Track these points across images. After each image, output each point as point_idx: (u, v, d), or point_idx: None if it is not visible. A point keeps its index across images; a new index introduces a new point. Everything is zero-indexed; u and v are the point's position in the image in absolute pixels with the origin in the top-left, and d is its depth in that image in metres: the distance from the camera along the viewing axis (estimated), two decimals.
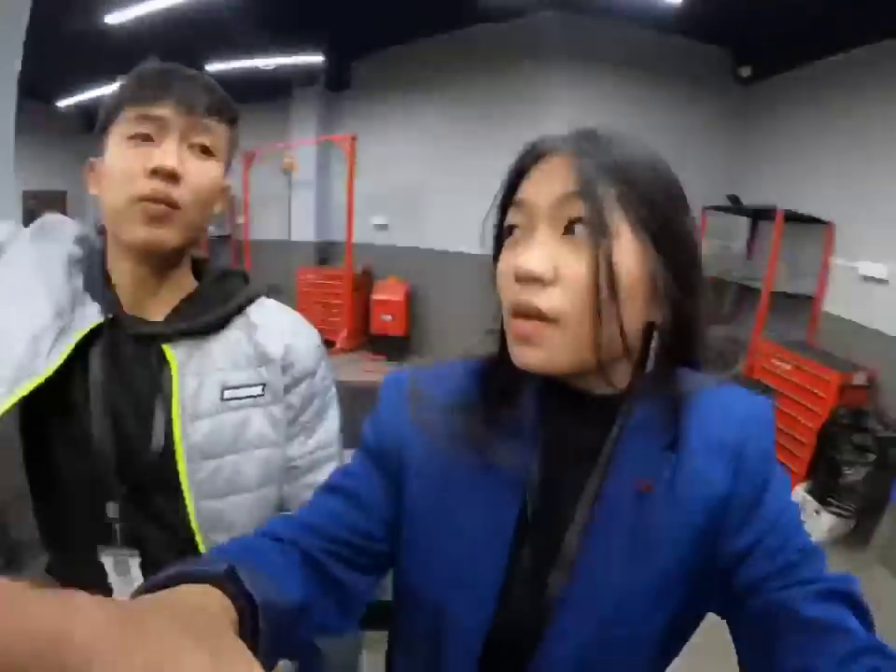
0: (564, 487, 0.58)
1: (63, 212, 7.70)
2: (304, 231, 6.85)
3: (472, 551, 0.58)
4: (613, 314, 0.50)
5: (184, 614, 0.30)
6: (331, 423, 0.91)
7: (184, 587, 0.37)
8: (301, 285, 6.47)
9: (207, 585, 0.37)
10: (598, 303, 0.50)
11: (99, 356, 0.76)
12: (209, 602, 0.36)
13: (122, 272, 0.81)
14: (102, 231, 0.84)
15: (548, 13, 4.54)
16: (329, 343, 5.76)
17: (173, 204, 0.76)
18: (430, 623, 0.60)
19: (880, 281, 3.36)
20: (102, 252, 0.84)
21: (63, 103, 7.20)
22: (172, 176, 0.75)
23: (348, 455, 0.74)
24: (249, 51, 5.34)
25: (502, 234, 0.60)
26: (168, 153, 0.75)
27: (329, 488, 0.64)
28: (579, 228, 0.51)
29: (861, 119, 3.61)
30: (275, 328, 0.86)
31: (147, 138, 0.77)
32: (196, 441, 0.76)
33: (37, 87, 6.06)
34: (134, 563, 0.77)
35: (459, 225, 5.31)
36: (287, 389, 0.85)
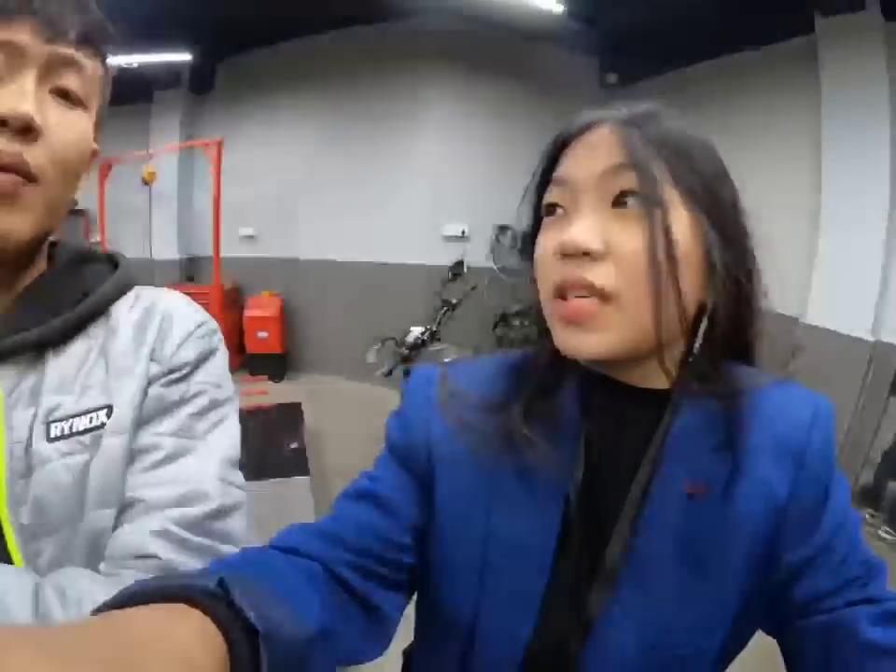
0: (608, 490, 0.55)
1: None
2: (167, 247, 6.36)
3: (510, 560, 0.55)
4: (671, 290, 0.48)
5: (91, 649, 0.24)
6: (211, 450, 0.58)
7: (142, 610, 0.30)
8: None
9: (185, 606, 0.31)
10: (658, 279, 0.47)
11: None
12: (170, 630, 0.29)
13: None
14: None
15: (425, 17, 4.58)
16: None
17: (27, 175, 0.53)
18: (461, 638, 0.56)
19: None
20: None
21: None
22: (27, 130, 0.53)
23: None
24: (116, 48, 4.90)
25: (539, 218, 0.56)
26: (23, 95, 0.52)
27: (356, 494, 0.58)
28: (631, 200, 0.48)
29: (726, 122, 3.79)
30: (139, 323, 0.60)
31: None
32: (24, 519, 0.51)
33: None
34: None
35: (332, 233, 5.30)
36: (142, 397, 0.57)
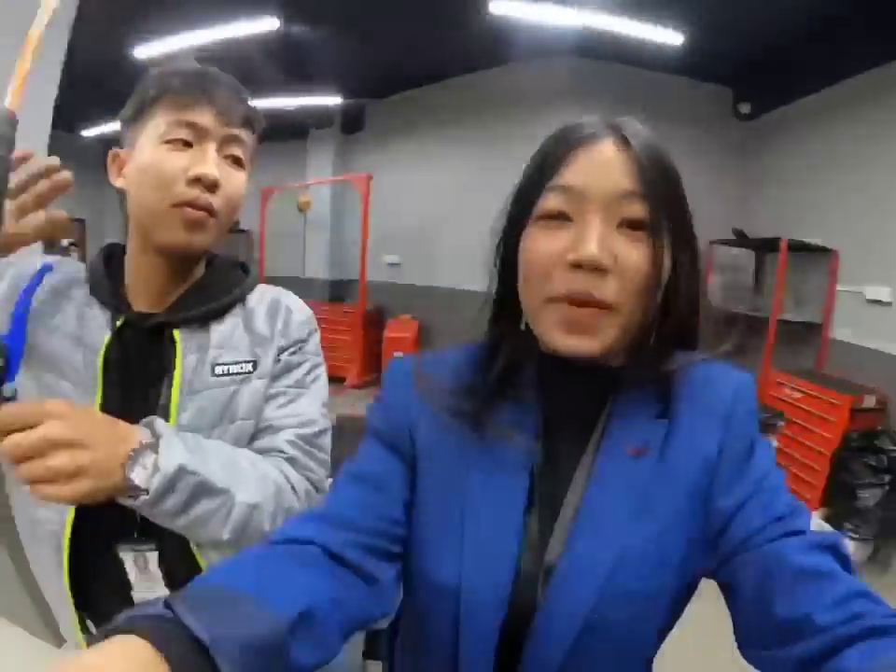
0: (564, 458, 0.60)
1: (82, 239, 7.84)
2: (318, 268, 7.00)
3: (486, 525, 0.58)
4: (651, 297, 0.55)
5: None
6: (315, 395, 0.88)
7: (93, 654, 0.33)
8: None
9: (133, 637, 0.35)
10: (654, 294, 0.55)
11: (115, 360, 0.78)
12: (111, 668, 0.33)
13: (144, 266, 0.83)
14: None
15: (556, 58, 4.70)
16: (339, 380, 5.87)
17: (211, 212, 0.79)
18: (448, 600, 0.58)
19: (885, 304, 3.38)
20: (106, 259, 0.87)
21: (86, 133, 7.39)
22: (213, 186, 0.78)
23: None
24: (269, 92, 5.58)
25: (523, 217, 0.60)
26: (210, 163, 0.78)
27: (350, 477, 0.63)
28: (636, 226, 0.54)
29: (862, 145, 3.66)
30: (269, 310, 0.88)
31: (187, 145, 0.78)
32: (188, 416, 0.78)
33: (62, 116, 6.32)
34: (153, 558, 0.77)
35: (469, 264, 5.41)
36: (276, 361, 0.86)
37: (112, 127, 6.95)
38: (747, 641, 0.53)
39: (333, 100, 6.00)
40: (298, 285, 6.73)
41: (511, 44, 4.37)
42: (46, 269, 0.83)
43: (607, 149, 0.55)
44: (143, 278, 0.84)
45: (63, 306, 0.82)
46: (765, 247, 4.42)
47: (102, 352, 0.78)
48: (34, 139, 2.24)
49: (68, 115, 6.81)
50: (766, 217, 4.60)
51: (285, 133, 6.78)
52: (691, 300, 0.60)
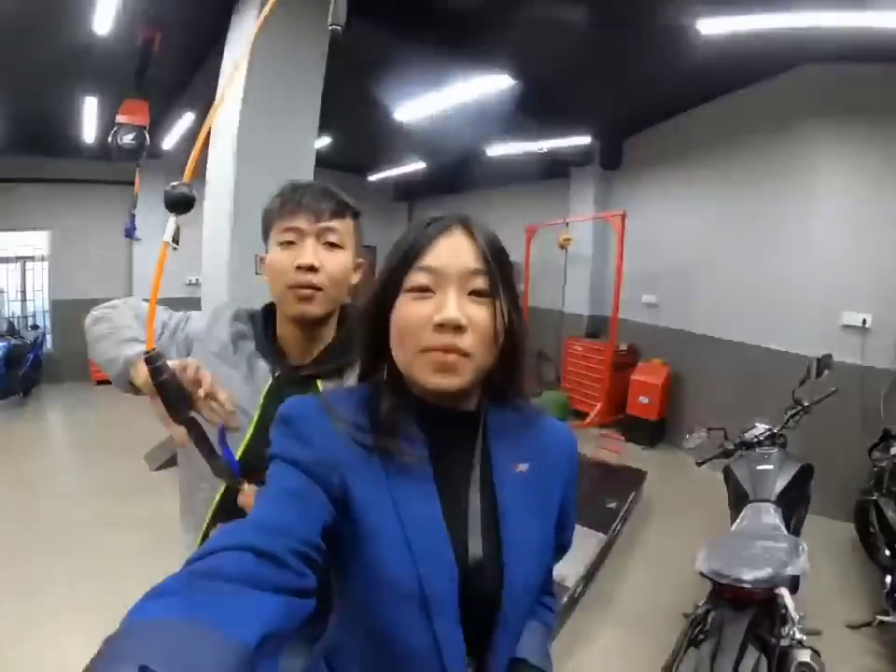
0: (453, 475, 0.78)
1: (373, 262, 9.58)
2: (578, 303, 7.17)
3: (420, 529, 0.72)
4: (494, 344, 0.74)
5: None
6: None
7: None
8: (568, 355, 6.76)
9: None
10: (497, 341, 0.74)
11: (273, 400, 1.03)
12: None
13: (286, 332, 1.14)
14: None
15: (805, 67, 4.10)
16: (583, 415, 6.15)
17: (316, 288, 1.06)
18: (414, 597, 0.69)
19: None
20: (264, 320, 1.16)
21: (373, 177, 9.30)
22: (312, 269, 1.05)
23: None
24: (527, 136, 6.04)
25: (394, 289, 0.75)
26: (306, 254, 1.05)
27: (277, 492, 0.68)
28: (481, 293, 0.73)
29: None
30: None
31: (291, 243, 1.07)
32: None
33: (354, 165, 8.53)
34: None
35: (723, 309, 5.21)
36: None
37: (392, 172, 8.74)
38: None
39: (585, 140, 6.14)
40: (558, 318, 7.18)
41: (742, 63, 4.01)
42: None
43: (458, 239, 0.75)
44: (288, 338, 1.14)
45: (238, 352, 1.12)
46: None
47: (264, 392, 1.09)
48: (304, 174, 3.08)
49: (359, 164, 8.79)
50: None
51: (550, 173, 7.21)
52: (520, 344, 0.79)
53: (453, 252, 0.74)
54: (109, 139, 3.91)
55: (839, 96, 3.98)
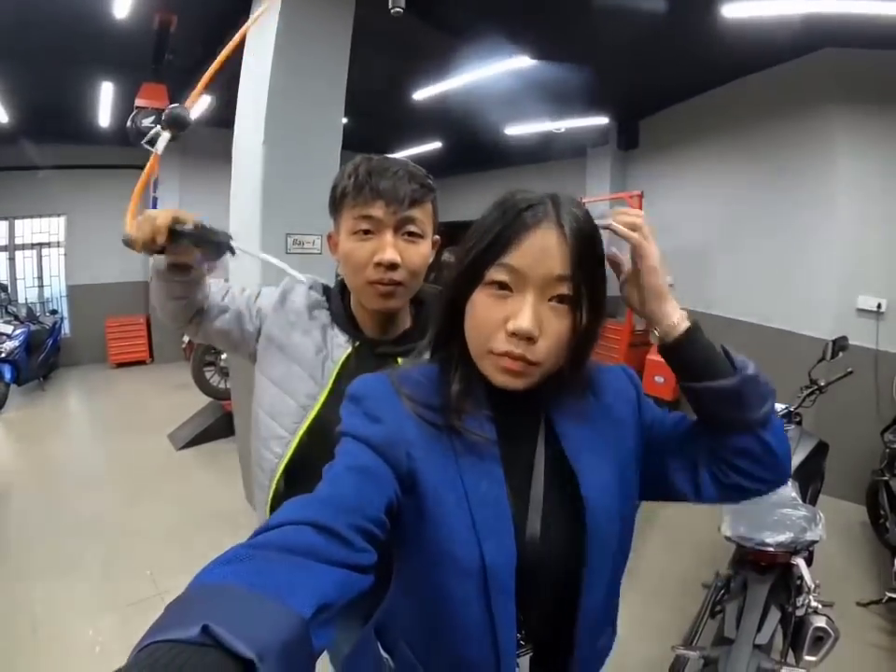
0: (524, 453, 0.79)
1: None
2: None
3: (485, 507, 0.72)
4: (569, 348, 0.72)
5: None
6: None
7: None
8: None
9: None
10: (567, 348, 0.72)
11: (349, 371, 1.05)
12: None
13: (363, 316, 1.12)
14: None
15: (825, 51, 4.05)
16: None
17: (397, 284, 1.01)
18: (475, 572, 0.70)
19: None
20: (340, 294, 1.16)
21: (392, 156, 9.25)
22: (394, 266, 1.00)
23: None
24: (545, 117, 6.01)
25: (474, 278, 0.73)
26: (388, 249, 0.99)
27: (344, 468, 0.68)
28: (562, 305, 0.70)
29: None
30: None
31: (368, 232, 1.00)
32: None
33: (373, 145, 8.07)
34: None
35: (740, 291, 5.20)
36: None
37: (410, 151, 8.45)
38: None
39: (604, 120, 6.13)
40: None
41: (763, 46, 3.96)
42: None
43: (548, 238, 0.68)
44: (363, 316, 1.13)
45: (312, 320, 1.13)
46: None
47: (340, 362, 1.09)
48: (329, 160, 3.14)
49: (374, 145, 8.36)
50: None
51: (564, 152, 7.15)
52: (593, 344, 0.78)
53: (540, 253, 0.69)
54: (128, 123, 3.95)
55: (859, 82, 3.94)
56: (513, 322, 0.68)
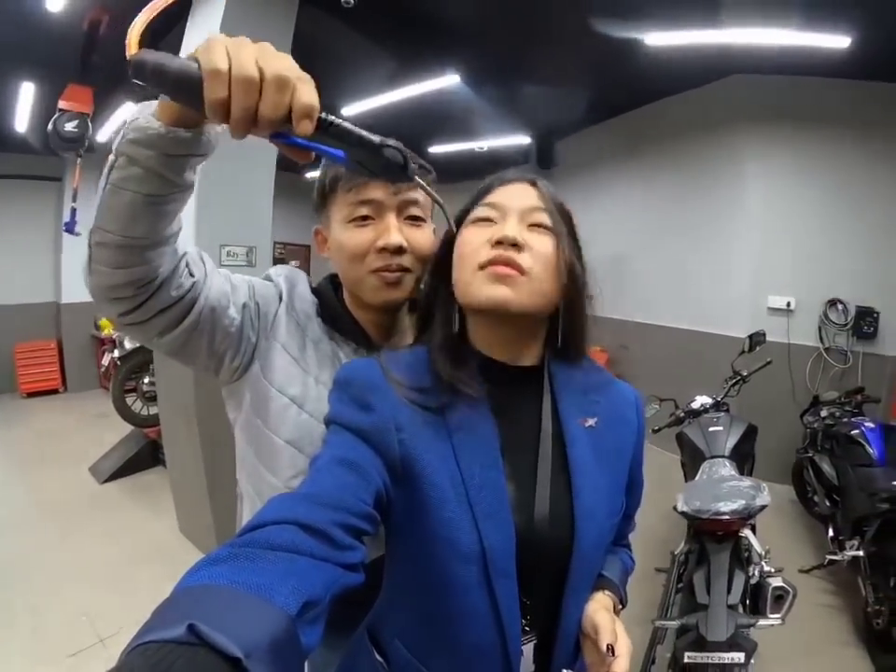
0: (523, 433, 0.77)
1: (308, 261, 9.49)
2: None
3: (482, 489, 0.70)
4: (556, 276, 0.74)
5: None
6: None
7: None
8: None
9: None
10: (556, 273, 0.74)
11: None
12: None
13: (364, 319, 0.99)
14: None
15: (733, 77, 4.48)
16: None
17: (404, 270, 0.92)
18: (475, 557, 0.68)
19: None
20: (336, 296, 1.01)
21: (308, 175, 8.83)
22: (400, 250, 0.90)
23: None
24: (467, 136, 6.19)
25: (462, 220, 0.80)
26: (393, 231, 0.90)
27: (330, 461, 0.66)
28: (541, 229, 0.75)
29: None
30: None
31: (367, 218, 0.90)
32: None
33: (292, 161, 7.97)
34: None
35: (655, 297, 5.46)
36: None
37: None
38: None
39: (524, 140, 6.39)
40: None
41: (676, 72, 4.32)
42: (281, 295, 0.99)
43: (524, 186, 0.79)
44: (365, 325, 1.00)
45: (319, 326, 0.99)
46: None
47: None
48: (263, 173, 2.87)
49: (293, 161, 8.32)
50: None
51: (483, 171, 7.32)
52: (580, 311, 0.81)
53: (517, 193, 0.78)
54: (49, 126, 3.70)
55: (763, 104, 4.39)
56: (499, 233, 0.73)
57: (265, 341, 0.94)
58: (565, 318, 0.79)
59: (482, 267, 0.73)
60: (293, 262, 8.37)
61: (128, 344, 4.82)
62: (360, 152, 0.60)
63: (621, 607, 0.86)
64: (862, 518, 2.68)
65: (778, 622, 1.92)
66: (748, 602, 2.00)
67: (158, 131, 0.62)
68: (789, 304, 4.33)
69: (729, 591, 1.94)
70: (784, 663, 2.32)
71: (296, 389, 0.93)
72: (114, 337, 5.42)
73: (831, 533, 2.92)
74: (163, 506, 3.60)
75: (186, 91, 0.52)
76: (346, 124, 0.59)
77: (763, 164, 4.46)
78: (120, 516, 3.68)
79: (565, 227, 0.77)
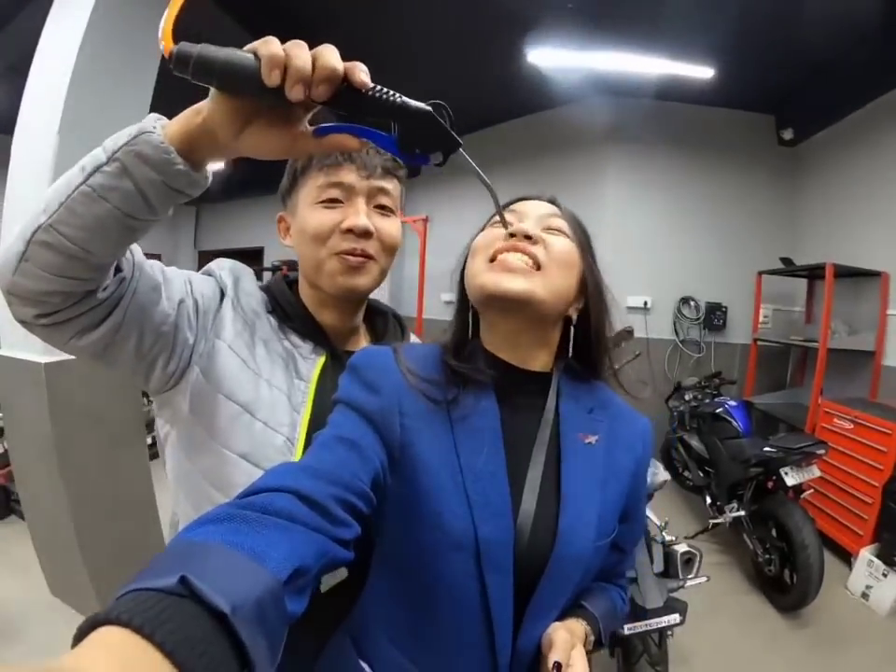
0: (521, 439, 0.76)
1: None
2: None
3: (481, 481, 0.69)
4: (570, 276, 0.76)
5: None
6: None
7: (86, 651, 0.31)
8: None
9: (116, 631, 0.31)
10: (570, 271, 0.75)
11: (325, 390, 0.86)
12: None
13: (325, 317, 0.95)
14: (275, 269, 1.04)
15: (596, 99, 4.89)
16: None
17: (369, 256, 0.89)
18: (469, 547, 0.67)
19: None
20: (288, 292, 0.96)
21: None
22: (367, 234, 0.87)
23: None
24: None
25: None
26: (361, 215, 0.87)
27: (331, 438, 0.67)
28: (559, 233, 0.77)
29: None
30: None
31: (335, 201, 0.88)
32: None
33: None
34: None
35: None
36: None
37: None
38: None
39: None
40: None
41: (553, 89, 4.64)
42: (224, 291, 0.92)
43: (541, 201, 0.82)
44: (327, 325, 0.95)
45: (269, 323, 0.92)
46: (814, 275, 4.41)
47: (315, 379, 0.89)
48: None
49: None
50: (815, 243, 4.58)
51: None
52: (599, 328, 0.81)
53: (534, 205, 0.82)
54: None
55: (623, 122, 4.89)
56: (513, 228, 0.75)
57: (205, 342, 0.85)
58: (578, 328, 0.81)
59: (492, 259, 0.74)
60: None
61: None
62: (411, 123, 0.58)
63: (593, 639, 0.78)
64: (736, 484, 3.10)
65: (704, 579, 2.16)
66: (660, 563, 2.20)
67: (172, 159, 0.57)
68: (646, 303, 4.85)
69: (652, 561, 2.14)
70: (701, 618, 2.58)
71: (247, 395, 0.84)
72: None
73: (708, 501, 3.32)
74: (25, 564, 2.85)
75: (236, 73, 0.51)
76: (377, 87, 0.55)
77: (622, 180, 4.97)
78: None
79: (584, 239, 0.81)
